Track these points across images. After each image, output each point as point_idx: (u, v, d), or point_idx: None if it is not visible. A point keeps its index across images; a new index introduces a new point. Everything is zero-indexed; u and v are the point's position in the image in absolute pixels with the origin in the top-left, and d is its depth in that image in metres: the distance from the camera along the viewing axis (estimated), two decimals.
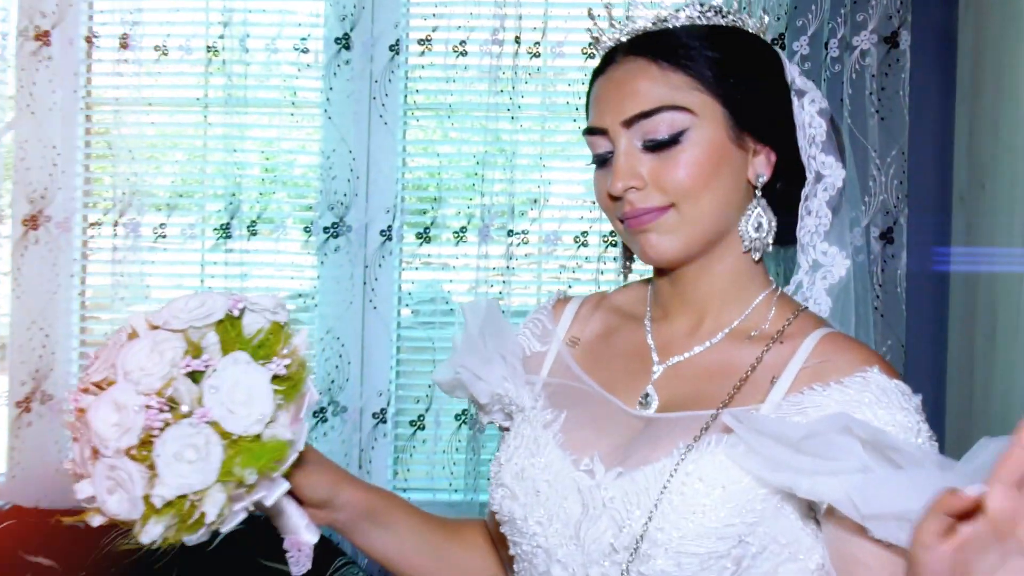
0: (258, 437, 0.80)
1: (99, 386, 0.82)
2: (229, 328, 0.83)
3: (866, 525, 0.77)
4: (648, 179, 0.92)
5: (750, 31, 0.98)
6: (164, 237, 2.29)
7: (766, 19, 1.00)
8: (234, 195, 2.25)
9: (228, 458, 0.78)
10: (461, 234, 2.27)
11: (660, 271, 1.00)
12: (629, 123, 0.92)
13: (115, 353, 0.81)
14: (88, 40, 2.30)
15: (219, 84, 2.25)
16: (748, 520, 0.82)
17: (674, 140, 0.91)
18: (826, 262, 0.96)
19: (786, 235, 0.98)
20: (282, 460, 0.82)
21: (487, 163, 2.21)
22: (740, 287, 0.97)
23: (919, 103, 2.13)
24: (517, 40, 2.20)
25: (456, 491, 2.27)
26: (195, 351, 0.81)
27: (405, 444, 2.31)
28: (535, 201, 2.26)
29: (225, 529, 0.82)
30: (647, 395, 0.95)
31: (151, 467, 0.77)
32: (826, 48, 2.11)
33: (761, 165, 0.94)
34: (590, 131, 0.96)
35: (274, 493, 0.85)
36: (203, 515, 0.78)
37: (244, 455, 0.79)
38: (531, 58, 2.22)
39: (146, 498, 0.77)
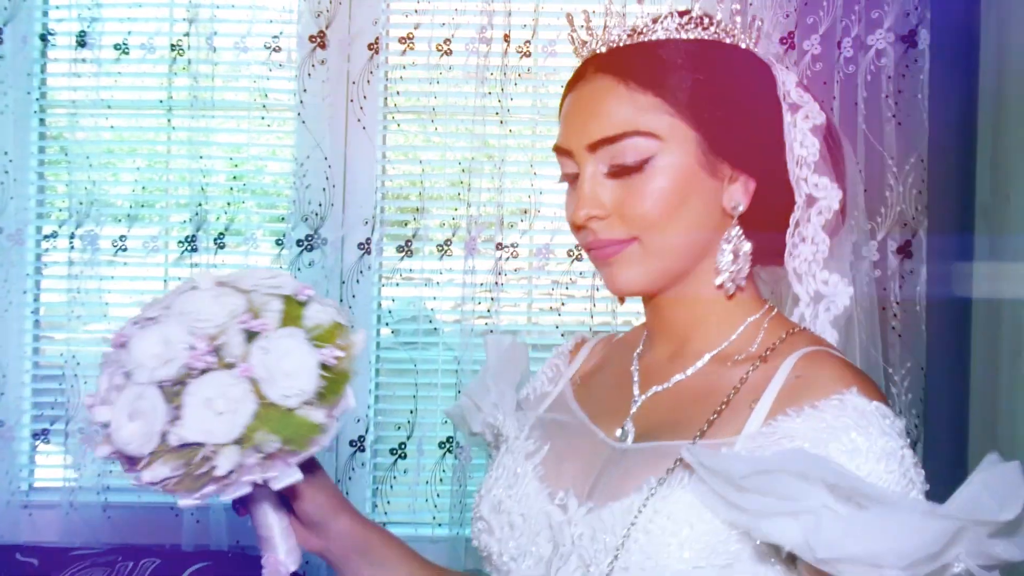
0: (291, 411, 0.84)
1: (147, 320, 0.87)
2: (294, 306, 0.88)
3: (828, 571, 0.75)
4: (612, 208, 0.91)
5: (739, 44, 0.95)
6: (124, 250, 2.24)
7: (758, 24, 0.96)
8: (200, 205, 2.20)
9: (256, 421, 0.82)
10: (445, 247, 2.23)
11: (645, 301, 1.01)
12: (593, 147, 0.91)
13: (174, 298, 0.87)
14: (43, 38, 2.25)
15: (184, 85, 2.20)
16: (718, 562, 0.80)
17: (639, 167, 0.89)
18: (828, 292, 0.94)
19: (774, 255, 0.96)
20: (308, 441, 0.85)
21: (473, 170, 2.16)
22: (724, 312, 0.96)
23: (939, 107, 2.09)
24: (506, 38, 2.16)
25: (440, 525, 2.21)
26: (255, 313, 0.86)
27: (385, 474, 2.25)
28: (525, 211, 2.21)
29: (225, 497, 0.84)
30: (624, 428, 0.95)
31: (178, 407, 0.81)
32: (839, 47, 2.07)
33: (737, 193, 0.92)
34: (558, 149, 0.96)
35: (284, 479, 0.87)
36: (212, 470, 0.81)
37: (272, 423, 0.82)
38: (521, 57, 2.18)
39: (163, 435, 0.81)
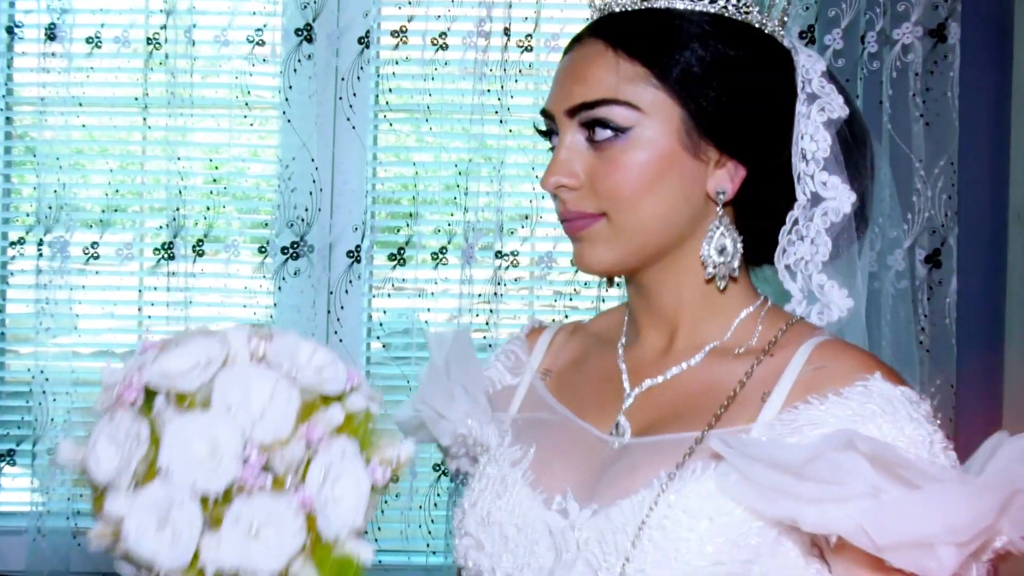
0: (337, 544, 0.75)
1: (181, 398, 0.75)
2: (343, 402, 0.80)
3: (884, 556, 0.75)
4: (584, 178, 0.92)
5: (753, 24, 0.93)
6: (96, 258, 2.21)
7: (783, 6, 0.91)
8: (177, 209, 2.17)
9: (300, 553, 0.74)
10: (440, 255, 2.21)
11: (627, 282, 1.00)
12: (572, 112, 0.92)
13: (209, 372, 0.74)
14: (9, 30, 2.22)
15: (160, 81, 2.17)
16: (741, 557, 0.81)
17: (616, 139, 0.90)
18: (822, 297, 0.93)
19: (764, 251, 0.96)
20: None
21: (471, 173, 2.14)
22: (714, 303, 0.96)
23: (970, 106, 2.07)
24: (506, 32, 2.14)
25: (435, 553, 2.17)
26: (309, 411, 0.77)
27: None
28: (526, 217, 2.20)
29: None
30: (618, 425, 0.95)
31: (215, 523, 0.72)
32: (862, 42, 2.03)
33: (723, 179, 0.92)
34: (543, 112, 0.96)
35: None
36: None
37: (316, 557, 0.75)
38: (522, 52, 2.16)
39: (194, 553, 0.72)
